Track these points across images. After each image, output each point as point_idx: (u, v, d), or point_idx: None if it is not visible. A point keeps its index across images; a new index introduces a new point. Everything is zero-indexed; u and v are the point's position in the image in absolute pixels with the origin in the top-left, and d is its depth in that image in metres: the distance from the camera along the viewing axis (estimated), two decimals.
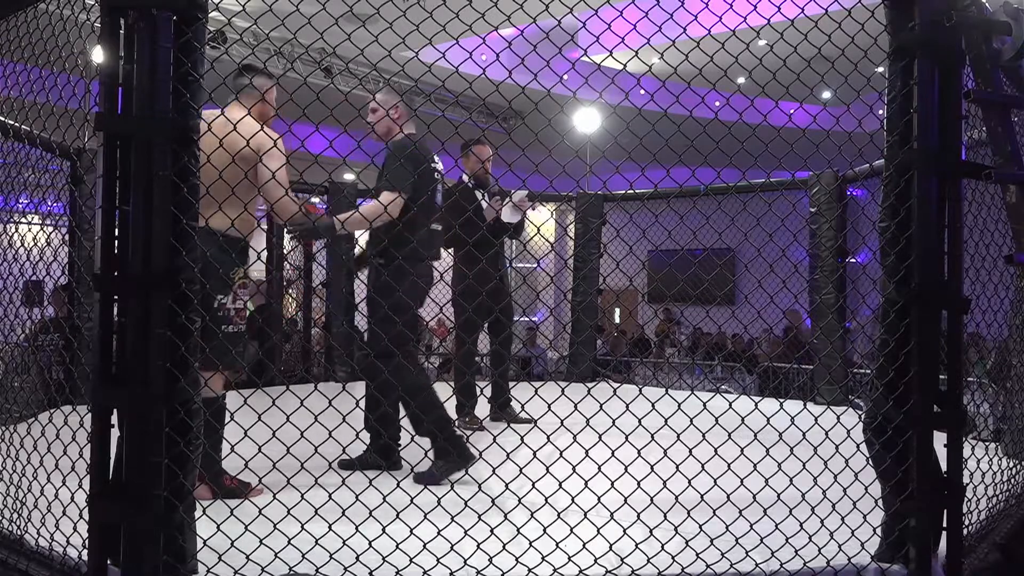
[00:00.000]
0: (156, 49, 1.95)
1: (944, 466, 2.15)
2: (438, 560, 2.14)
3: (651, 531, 2.28)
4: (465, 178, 4.81)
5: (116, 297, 1.96)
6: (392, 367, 3.00)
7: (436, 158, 3.55)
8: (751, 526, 2.28)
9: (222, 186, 2.43)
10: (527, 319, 10.53)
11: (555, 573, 2.12)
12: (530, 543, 2.21)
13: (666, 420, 2.33)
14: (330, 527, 2.15)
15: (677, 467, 2.29)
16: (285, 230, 3.55)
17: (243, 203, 2.61)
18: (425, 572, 2.10)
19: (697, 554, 2.19)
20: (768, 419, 2.41)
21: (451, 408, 3.64)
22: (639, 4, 2.28)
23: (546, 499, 2.34)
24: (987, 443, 3.53)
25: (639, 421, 2.31)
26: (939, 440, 2.14)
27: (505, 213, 4.80)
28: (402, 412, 3.13)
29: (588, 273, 6.77)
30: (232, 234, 2.86)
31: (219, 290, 2.90)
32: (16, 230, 2.98)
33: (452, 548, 2.18)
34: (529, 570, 2.11)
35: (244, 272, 2.98)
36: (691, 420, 2.36)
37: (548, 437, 2.25)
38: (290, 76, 2.69)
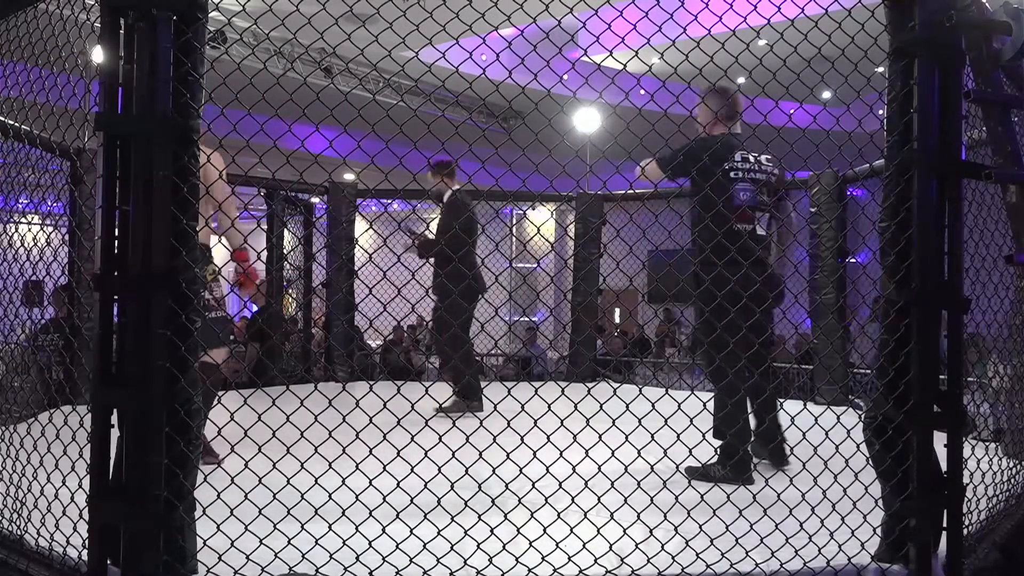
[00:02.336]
0: (156, 49, 1.94)
1: (944, 466, 2.15)
2: (438, 560, 2.14)
3: (651, 531, 2.28)
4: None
5: (116, 297, 1.96)
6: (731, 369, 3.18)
7: (749, 156, 3.53)
8: (751, 526, 2.28)
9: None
10: (527, 319, 10.52)
11: (555, 573, 2.12)
12: (530, 543, 2.21)
13: (666, 420, 2.33)
14: (330, 527, 2.15)
15: (677, 467, 2.29)
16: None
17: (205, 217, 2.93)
18: (425, 572, 2.10)
19: (697, 554, 2.19)
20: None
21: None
22: (639, 4, 2.28)
23: (546, 499, 2.34)
24: (987, 443, 3.53)
25: (639, 421, 2.31)
26: (939, 440, 2.14)
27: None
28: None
29: (588, 273, 6.77)
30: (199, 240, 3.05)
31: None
32: (16, 230, 2.98)
33: (452, 548, 2.18)
34: (529, 570, 2.10)
35: (213, 270, 3.51)
36: (691, 420, 2.36)
37: (548, 437, 2.25)
38: (290, 76, 2.69)
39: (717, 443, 3.35)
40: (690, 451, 2.31)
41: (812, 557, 2.19)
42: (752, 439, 3.51)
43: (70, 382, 4.47)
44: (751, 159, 3.55)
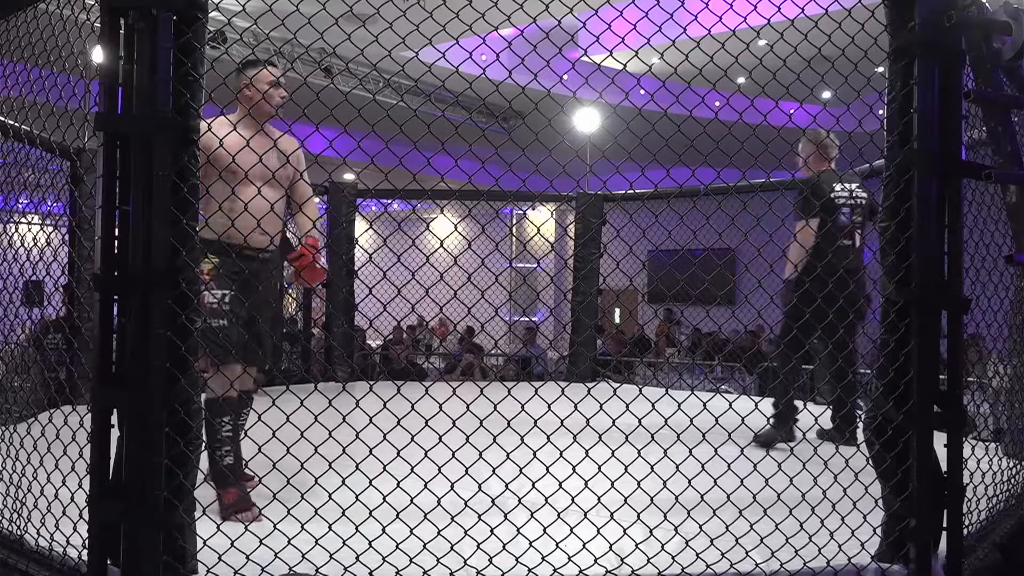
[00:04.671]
0: (156, 49, 1.94)
1: (944, 466, 2.15)
2: (438, 560, 2.14)
3: (651, 531, 2.28)
4: None
5: (116, 297, 1.96)
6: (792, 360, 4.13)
7: (844, 185, 4.32)
8: (751, 526, 2.28)
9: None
10: (527, 319, 10.52)
11: (555, 573, 2.12)
12: (530, 543, 2.21)
13: (666, 420, 2.33)
14: (330, 527, 2.15)
15: (677, 467, 2.29)
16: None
17: (217, 204, 2.75)
18: (425, 572, 2.10)
19: (697, 554, 2.19)
20: (768, 419, 2.41)
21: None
22: (639, 4, 2.28)
23: (546, 499, 2.34)
24: (987, 443, 3.53)
25: (639, 421, 2.31)
26: (939, 440, 2.14)
27: None
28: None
29: (588, 273, 6.77)
30: (204, 235, 2.74)
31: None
32: (16, 230, 2.98)
33: (452, 548, 2.18)
34: (529, 570, 2.11)
35: (212, 268, 2.87)
36: (691, 420, 2.36)
37: (548, 437, 2.25)
38: (290, 76, 2.69)
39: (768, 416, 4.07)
40: (690, 451, 2.31)
41: (812, 557, 2.19)
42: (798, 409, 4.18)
43: (70, 382, 4.47)
44: (849, 188, 4.32)
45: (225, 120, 2.93)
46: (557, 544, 2.22)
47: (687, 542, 2.24)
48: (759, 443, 3.91)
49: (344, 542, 2.13)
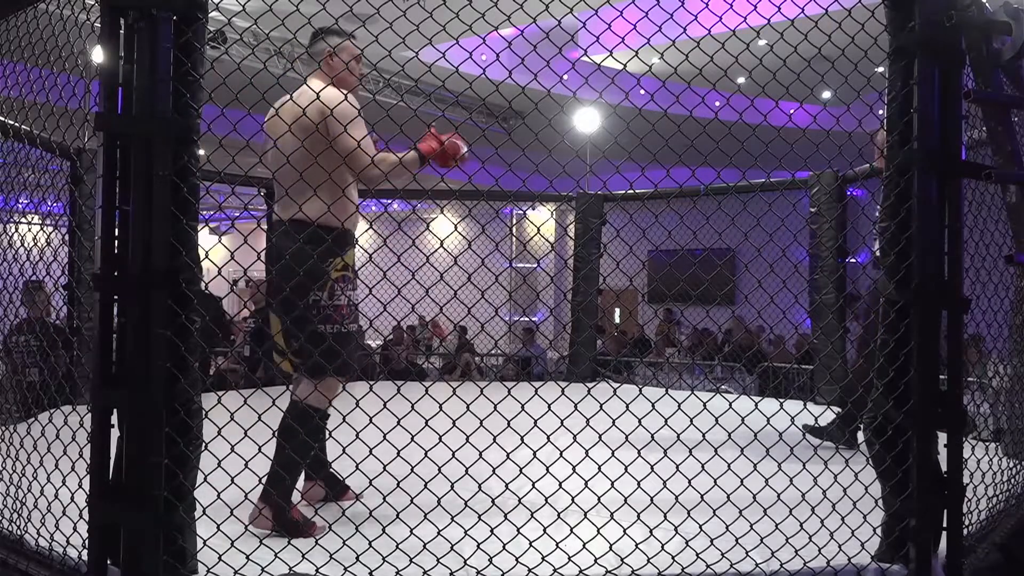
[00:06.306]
0: (156, 49, 1.95)
1: (944, 466, 2.15)
2: (438, 560, 2.14)
3: (651, 531, 2.28)
4: None
5: (116, 297, 1.96)
6: None
7: None
8: (751, 526, 2.28)
9: (306, 173, 2.49)
10: (527, 319, 10.52)
11: (555, 573, 2.12)
12: (530, 543, 2.21)
13: (666, 420, 2.33)
14: (330, 527, 2.15)
15: (677, 467, 2.29)
16: None
17: (339, 187, 2.53)
18: (425, 572, 2.10)
19: (697, 554, 2.19)
20: (768, 419, 2.41)
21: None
22: (639, 4, 2.28)
23: (546, 499, 2.34)
24: (987, 443, 3.53)
25: (639, 421, 2.31)
26: (939, 440, 2.14)
27: None
28: None
29: (588, 273, 6.77)
30: (326, 222, 2.57)
31: (314, 286, 2.62)
32: (16, 230, 2.98)
33: (452, 548, 2.18)
34: (529, 570, 2.10)
35: (344, 263, 2.69)
36: (691, 420, 2.36)
37: (548, 437, 2.25)
38: (290, 76, 2.69)
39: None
40: (690, 451, 2.31)
41: (812, 557, 2.19)
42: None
43: (69, 381, 4.46)
44: None
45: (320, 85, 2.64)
46: (557, 544, 2.22)
47: (687, 542, 2.24)
48: (813, 432, 4.11)
49: (344, 542, 2.13)
